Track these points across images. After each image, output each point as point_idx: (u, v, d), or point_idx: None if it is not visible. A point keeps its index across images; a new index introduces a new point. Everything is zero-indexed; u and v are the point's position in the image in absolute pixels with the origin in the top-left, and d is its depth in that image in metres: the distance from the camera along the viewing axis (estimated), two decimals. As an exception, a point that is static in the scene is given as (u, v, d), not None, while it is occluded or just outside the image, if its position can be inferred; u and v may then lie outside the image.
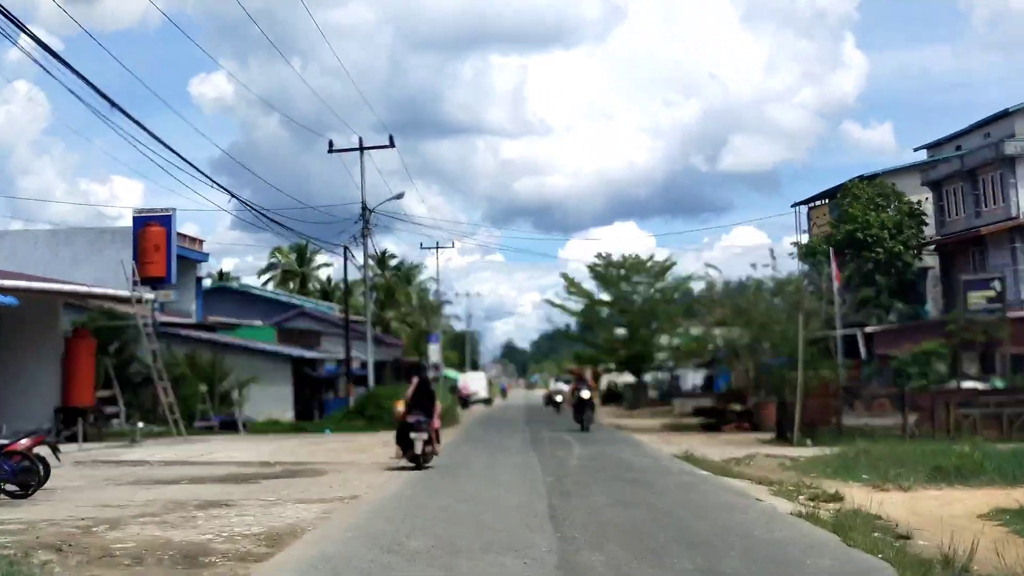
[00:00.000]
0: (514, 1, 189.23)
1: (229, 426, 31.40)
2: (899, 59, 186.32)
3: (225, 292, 57.22)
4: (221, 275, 69.39)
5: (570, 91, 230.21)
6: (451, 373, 75.55)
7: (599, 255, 51.95)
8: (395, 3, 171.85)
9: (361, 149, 33.72)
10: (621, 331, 52.61)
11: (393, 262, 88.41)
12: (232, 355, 35.36)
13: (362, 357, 51.08)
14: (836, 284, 35.42)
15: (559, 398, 45.19)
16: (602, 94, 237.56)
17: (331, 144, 33.46)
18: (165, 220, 30.85)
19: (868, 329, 39.77)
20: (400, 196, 34.64)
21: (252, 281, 71.05)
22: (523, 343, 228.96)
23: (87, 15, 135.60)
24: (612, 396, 58.57)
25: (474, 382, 63.01)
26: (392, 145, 33.22)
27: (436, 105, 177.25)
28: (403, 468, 17.22)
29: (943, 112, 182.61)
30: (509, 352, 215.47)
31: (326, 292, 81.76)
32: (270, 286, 74.13)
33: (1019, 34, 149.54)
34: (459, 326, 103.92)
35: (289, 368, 36.71)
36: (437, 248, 61.28)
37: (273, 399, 35.62)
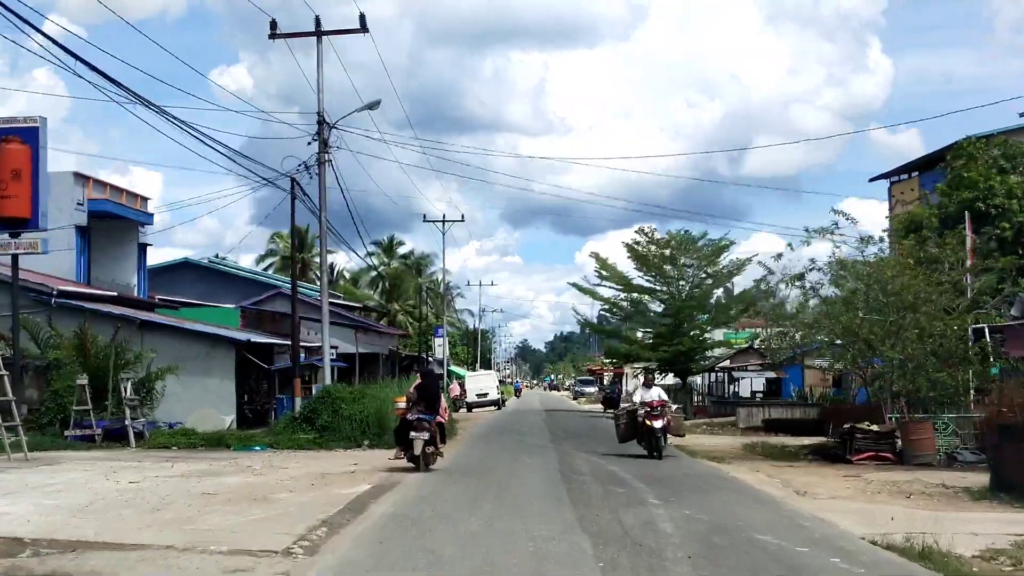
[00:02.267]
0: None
1: (118, 436, 20.86)
2: (923, 64, 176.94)
3: (192, 268, 46.82)
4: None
5: (591, 90, 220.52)
6: (459, 371, 64.77)
7: (640, 230, 41.00)
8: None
9: (318, 34, 22.77)
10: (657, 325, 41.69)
11: (402, 250, 78.89)
12: (154, 336, 24.99)
13: (348, 347, 40.66)
14: (969, 262, 24.86)
15: (659, 423, 19.01)
16: (623, 94, 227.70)
17: (274, 26, 22.46)
18: (29, 134, 19.92)
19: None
20: (375, 105, 23.74)
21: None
22: (538, 344, 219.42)
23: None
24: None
25: (482, 381, 51.58)
26: (364, 29, 22.17)
27: (456, 101, 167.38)
28: (402, 469, 15.39)
29: (967, 116, 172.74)
30: (524, 352, 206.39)
31: (328, 280, 72.15)
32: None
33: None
34: (475, 325, 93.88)
35: (232, 357, 26.12)
36: (444, 222, 50.17)
37: (207, 397, 25.15)
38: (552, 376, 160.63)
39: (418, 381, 16.82)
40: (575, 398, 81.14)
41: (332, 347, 35.38)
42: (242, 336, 26.76)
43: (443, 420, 16.62)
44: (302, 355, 34.85)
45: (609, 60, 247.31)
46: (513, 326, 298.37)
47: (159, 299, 35.91)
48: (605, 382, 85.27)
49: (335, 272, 76.12)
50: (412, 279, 73.73)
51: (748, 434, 28.76)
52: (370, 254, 76.41)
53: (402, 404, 16.55)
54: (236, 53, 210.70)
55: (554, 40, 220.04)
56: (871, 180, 46.95)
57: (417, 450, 15.35)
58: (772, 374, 37.28)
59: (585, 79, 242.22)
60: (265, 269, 66.90)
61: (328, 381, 23.61)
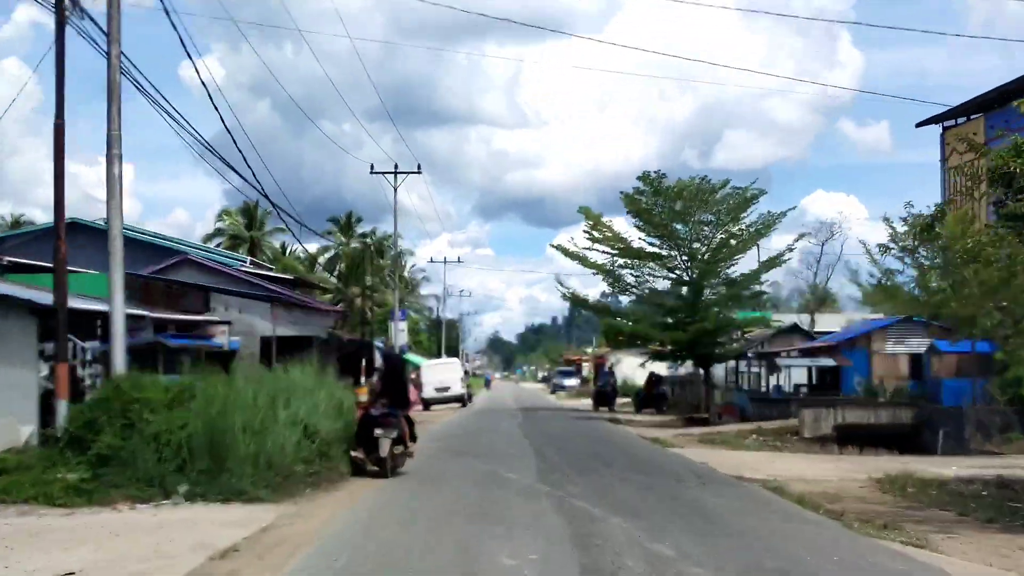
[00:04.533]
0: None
1: None
2: (895, 58, 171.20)
3: (83, 231, 36.18)
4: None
5: (564, 83, 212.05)
6: (418, 359, 54.42)
7: (643, 177, 31.00)
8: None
9: None
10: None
11: (360, 228, 68.93)
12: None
13: (265, 328, 30.18)
14: None
15: None
16: (596, 87, 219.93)
17: None
18: None
19: None
20: None
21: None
22: (509, 336, 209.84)
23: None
24: (652, 397, 36.62)
25: (443, 372, 40.75)
26: None
27: (429, 93, 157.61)
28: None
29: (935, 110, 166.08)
30: (495, 344, 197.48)
31: (278, 260, 62.35)
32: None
33: (1014, 35, 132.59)
34: (440, 309, 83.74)
35: (32, 331, 15.85)
36: (396, 174, 39.64)
37: (4, 397, 14.89)
38: (523, 368, 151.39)
39: (382, 369, 14.51)
40: (553, 392, 68.06)
41: (224, 322, 25.16)
42: (42, 299, 16.35)
43: (416, 400, 13.87)
44: (216, 338, 24.73)
45: (583, 53, 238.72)
46: (484, 318, 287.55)
47: (9, 261, 25.84)
48: (584, 373, 74.23)
49: (286, 251, 66.26)
50: (373, 261, 63.84)
51: (828, 449, 18.91)
52: (327, 233, 66.51)
53: (364, 396, 14.28)
54: None
55: (529, 33, 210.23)
56: (919, 125, 37.41)
57: (384, 451, 12.85)
58: (830, 361, 27.25)
59: (559, 72, 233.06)
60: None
61: (120, 368, 12.92)
